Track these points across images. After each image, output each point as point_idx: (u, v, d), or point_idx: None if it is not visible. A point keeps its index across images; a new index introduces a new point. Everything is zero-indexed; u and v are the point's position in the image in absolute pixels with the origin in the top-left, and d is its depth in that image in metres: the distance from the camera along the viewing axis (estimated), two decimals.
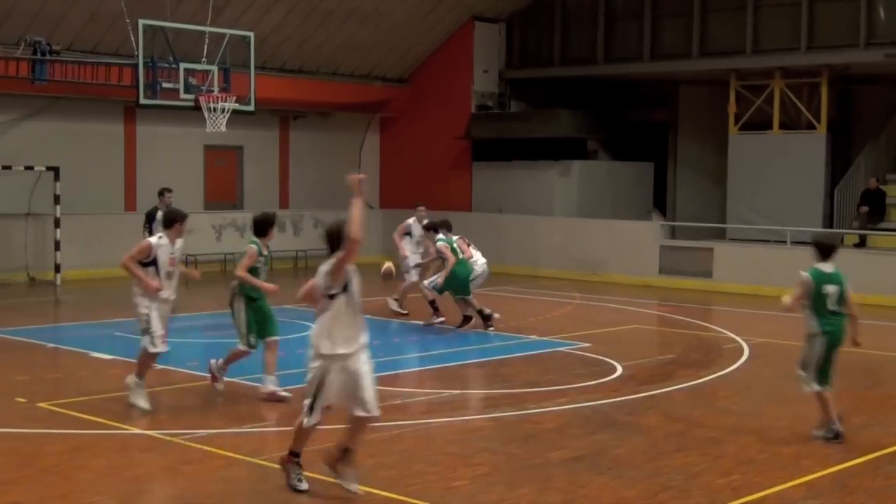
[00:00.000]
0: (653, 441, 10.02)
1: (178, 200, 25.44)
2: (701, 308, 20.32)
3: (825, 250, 10.05)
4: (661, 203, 28.33)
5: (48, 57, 20.37)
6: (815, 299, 9.84)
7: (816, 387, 9.87)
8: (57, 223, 22.82)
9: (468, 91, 28.10)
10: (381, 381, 12.50)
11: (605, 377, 13.03)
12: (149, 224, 18.29)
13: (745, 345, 15.45)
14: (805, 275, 9.97)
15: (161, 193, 18.58)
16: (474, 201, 28.21)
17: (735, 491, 8.42)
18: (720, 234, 25.12)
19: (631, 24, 26.56)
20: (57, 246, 22.85)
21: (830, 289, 9.84)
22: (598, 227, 25.57)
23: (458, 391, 12.31)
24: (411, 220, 18.83)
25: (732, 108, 24.73)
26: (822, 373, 9.87)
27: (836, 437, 9.90)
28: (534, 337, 16.18)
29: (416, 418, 10.78)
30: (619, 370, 13.40)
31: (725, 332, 16.82)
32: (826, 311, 9.84)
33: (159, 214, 18.20)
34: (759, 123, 24.50)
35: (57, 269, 22.85)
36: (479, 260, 16.97)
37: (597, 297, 21.62)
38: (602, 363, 13.92)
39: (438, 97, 28.56)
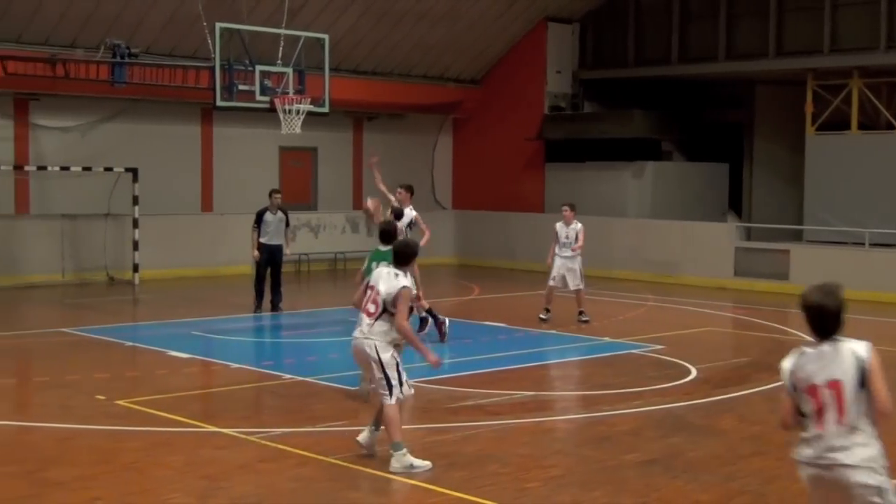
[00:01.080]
0: (728, 445, 9.91)
1: (252, 201, 25.88)
2: (777, 311, 20.05)
3: None
4: (736, 204, 28.01)
5: (127, 60, 20.71)
6: None
7: None
8: (135, 223, 23.21)
9: (541, 92, 28.04)
10: (455, 381, 12.57)
11: (679, 380, 12.93)
12: (257, 224, 18.61)
13: None
14: None
15: (270, 195, 18.85)
16: (547, 202, 28.13)
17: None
18: (797, 236, 24.78)
19: (706, 23, 26.30)
20: (135, 246, 23.23)
21: None
22: (673, 229, 25.36)
23: (531, 392, 12.28)
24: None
25: (809, 108, 24.37)
26: None
27: None
28: (607, 339, 16.10)
29: (489, 419, 10.78)
30: (694, 373, 13.29)
31: (803, 335, 16.57)
32: None
33: (268, 215, 18.60)
34: (837, 123, 24.11)
35: (135, 268, 23.23)
36: None
37: (670, 299, 21.45)
38: (676, 366, 13.81)
39: (511, 98, 28.53)
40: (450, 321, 16.19)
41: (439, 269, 17.33)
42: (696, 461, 9.29)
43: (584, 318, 17.62)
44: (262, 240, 18.54)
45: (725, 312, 19.99)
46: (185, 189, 25.20)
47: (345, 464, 8.84)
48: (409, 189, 16.60)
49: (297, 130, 19.76)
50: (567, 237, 17.95)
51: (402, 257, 9.12)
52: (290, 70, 19.81)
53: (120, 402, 11.23)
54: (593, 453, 9.51)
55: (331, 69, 21.00)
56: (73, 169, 22.85)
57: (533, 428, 10.59)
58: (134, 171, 23.27)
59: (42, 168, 22.71)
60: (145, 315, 19.64)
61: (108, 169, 23.23)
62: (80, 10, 21.74)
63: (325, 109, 20.58)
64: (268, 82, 19.69)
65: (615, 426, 10.57)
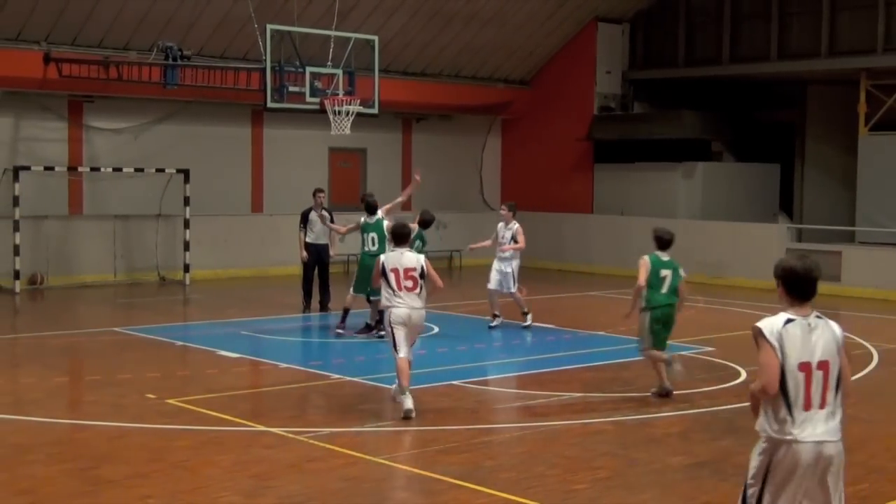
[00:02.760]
0: None
1: (302, 202, 25.99)
2: (828, 312, 19.57)
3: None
4: (787, 205, 27.75)
5: (179, 62, 20.92)
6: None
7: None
8: (186, 224, 23.43)
9: (591, 92, 27.96)
10: (503, 382, 12.58)
11: (728, 382, 12.84)
12: (303, 224, 18.75)
13: (874, 351, 15.06)
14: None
15: (314, 194, 18.98)
16: (596, 203, 28.06)
17: (863, 500, 8.22)
18: (849, 238, 24.51)
19: (758, 23, 26.09)
20: (186, 246, 23.45)
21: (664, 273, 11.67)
22: (723, 230, 25.17)
23: (578, 394, 12.25)
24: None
25: (863, 108, 24.09)
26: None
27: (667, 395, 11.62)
28: None
29: (536, 420, 10.77)
30: (744, 375, 13.17)
31: (854, 337, 16.38)
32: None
33: (312, 214, 18.75)
34: (891, 124, 23.81)
35: (186, 268, 23.45)
36: None
37: (720, 300, 21.29)
38: (725, 368, 13.72)
39: (560, 99, 28.48)
40: (500, 322, 16.29)
41: (487, 269, 17.33)
42: (746, 465, 9.19)
43: (525, 323, 16.94)
44: (308, 240, 18.68)
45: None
46: (236, 190, 25.40)
47: (393, 464, 8.88)
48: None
49: (347, 131, 19.85)
50: (503, 237, 17.25)
51: (401, 237, 11.03)
52: (339, 71, 19.92)
53: (170, 401, 11.35)
54: (641, 455, 9.48)
55: (380, 70, 21.09)
56: (125, 170, 23.13)
57: (581, 429, 10.56)
58: (185, 173, 23.50)
59: (95, 169, 23.00)
60: (196, 315, 19.82)
61: (160, 170, 23.47)
62: (134, 13, 21.99)
63: (375, 111, 20.67)
64: (318, 84, 19.81)
65: (663, 428, 10.53)
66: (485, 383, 12.22)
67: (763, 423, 5.65)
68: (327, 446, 9.51)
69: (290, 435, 9.95)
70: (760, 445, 5.69)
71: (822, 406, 5.56)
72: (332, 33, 20.31)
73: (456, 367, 13.60)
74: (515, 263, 17.07)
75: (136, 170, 23.22)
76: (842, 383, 5.64)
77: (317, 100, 19.74)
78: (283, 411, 11.14)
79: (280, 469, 8.83)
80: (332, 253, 19.15)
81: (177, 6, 22.21)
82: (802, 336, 5.65)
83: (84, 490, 8.24)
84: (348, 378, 12.80)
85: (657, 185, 26.86)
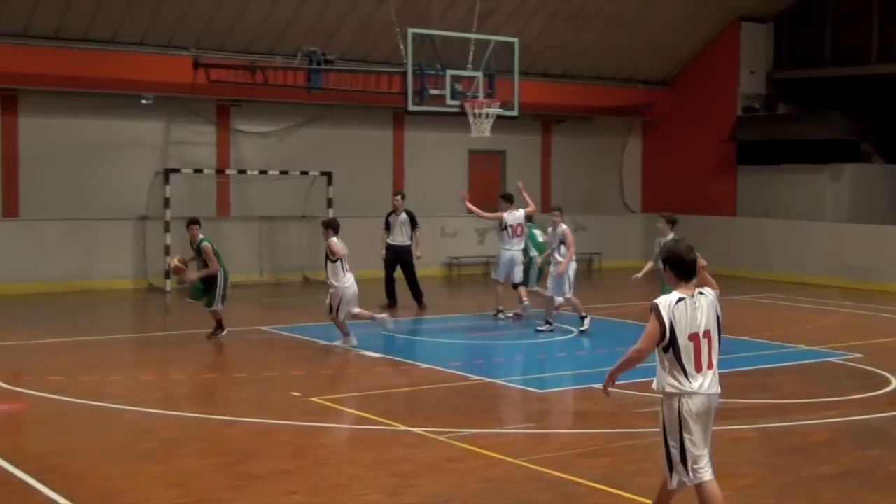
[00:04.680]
0: None
1: (442, 203, 26.27)
2: None
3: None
4: None
5: (323, 67, 21.31)
6: None
7: None
8: None
9: (734, 93, 27.49)
10: (643, 387, 12.43)
11: (877, 390, 12.47)
12: (385, 227, 19.60)
13: None
14: None
15: (393, 197, 19.82)
16: (739, 205, 27.56)
17: None
18: None
19: None
20: None
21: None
22: (872, 233, 24.42)
23: (721, 400, 12.06)
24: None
25: None
26: None
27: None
28: (801, 346, 15.66)
29: None
30: (894, 383, 12.80)
31: None
32: None
33: (392, 217, 19.42)
34: None
35: None
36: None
37: (869, 306, 20.70)
38: (874, 375, 13.33)
39: (703, 100, 28.07)
40: (640, 325, 16.07)
41: (627, 272, 17.19)
42: None
43: (583, 327, 16.54)
44: (388, 241, 19.48)
45: None
46: (377, 191, 25.69)
47: (533, 466, 8.88)
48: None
49: (487, 134, 19.93)
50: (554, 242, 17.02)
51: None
52: (480, 74, 20.00)
53: (314, 399, 11.57)
54: (786, 464, 9.28)
55: (520, 72, 21.10)
56: (270, 172, 23.66)
57: (723, 436, 10.38)
58: (328, 175, 23.92)
59: (242, 172, 23.59)
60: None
61: (304, 172, 23.94)
62: (279, 20, 22.48)
63: (515, 113, 20.68)
64: (458, 86, 19.93)
65: (809, 436, 10.29)
66: (625, 387, 12.11)
67: (663, 383, 6.81)
68: (467, 447, 9.57)
69: (431, 435, 10.04)
70: (665, 402, 6.88)
71: (710, 367, 6.76)
72: (473, 36, 20.41)
73: (595, 371, 13.51)
74: (572, 267, 16.62)
75: (281, 172, 23.74)
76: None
77: (457, 102, 19.86)
78: (424, 411, 11.25)
79: (421, 468, 8.92)
80: (417, 254, 19.57)
81: (321, 12, 22.63)
82: (689, 312, 6.69)
83: (231, 484, 8.47)
84: (488, 379, 12.86)
85: (803, 187, 26.24)
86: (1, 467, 8.85)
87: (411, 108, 20.02)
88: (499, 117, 20.02)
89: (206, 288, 15.47)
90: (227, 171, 23.60)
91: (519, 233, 18.27)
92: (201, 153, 23.71)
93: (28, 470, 8.69)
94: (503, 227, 18.26)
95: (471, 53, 20.15)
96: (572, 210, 27.89)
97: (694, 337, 6.69)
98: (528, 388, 12.44)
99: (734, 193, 27.73)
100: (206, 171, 23.26)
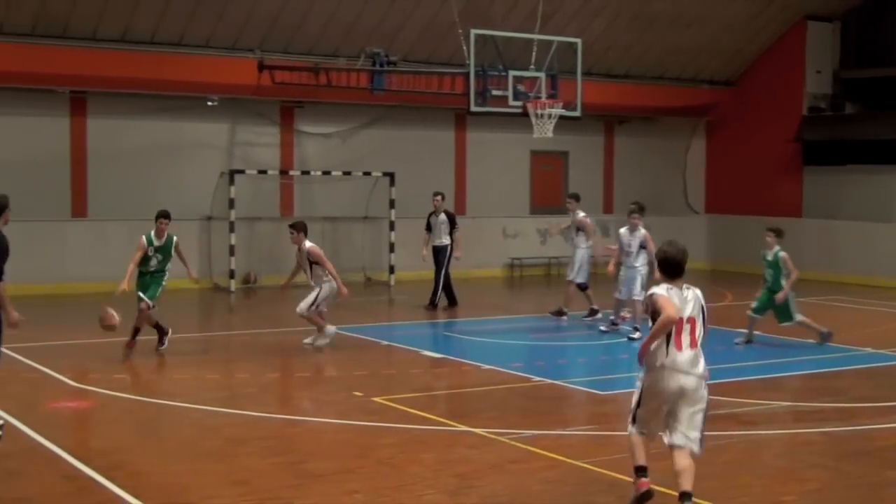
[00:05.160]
0: None
1: (504, 204, 26.24)
2: None
3: None
4: None
5: (386, 68, 21.40)
6: None
7: None
8: (391, 226, 23.91)
9: (800, 93, 27.15)
10: (708, 389, 12.34)
11: None
12: (428, 228, 19.84)
13: None
14: None
15: (433, 197, 19.95)
16: (805, 207, 27.21)
17: None
18: None
19: None
20: (391, 248, 23.94)
21: None
22: None
23: (786, 403, 11.94)
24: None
25: None
26: None
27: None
28: (869, 349, 15.44)
29: (742, 429, 10.53)
30: None
31: None
32: None
33: (431, 217, 19.48)
34: None
35: (391, 269, 23.94)
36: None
37: None
38: None
39: (768, 99, 27.77)
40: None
41: (690, 274, 16.96)
42: None
43: (633, 335, 16.20)
44: (433, 242, 19.76)
45: None
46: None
47: (595, 468, 8.85)
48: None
49: (549, 134, 19.87)
50: (629, 245, 16.59)
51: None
52: (542, 74, 19.94)
53: (376, 399, 11.61)
54: (852, 468, 9.15)
55: (583, 73, 21.00)
56: (333, 173, 23.79)
57: (788, 439, 10.29)
58: (391, 176, 24.00)
59: (305, 173, 23.75)
60: (400, 315, 20.20)
61: (367, 173, 24.06)
62: (342, 22, 22.60)
63: (578, 113, 20.59)
64: (521, 87, 19.89)
65: (876, 441, 10.14)
66: None
67: (648, 356, 7.61)
68: (529, 448, 9.56)
69: (492, 436, 10.04)
70: (641, 377, 7.74)
71: (692, 346, 7.60)
72: (536, 37, 20.37)
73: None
74: (644, 270, 16.37)
75: (344, 173, 23.87)
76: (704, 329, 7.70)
77: (519, 103, 19.82)
78: (485, 412, 11.24)
79: (482, 469, 8.92)
80: (456, 255, 19.62)
81: (383, 14, 22.71)
82: (679, 298, 7.58)
83: (294, 483, 8.53)
84: (550, 381, 12.82)
85: (871, 188, 25.84)
86: (69, 464, 9.00)
87: (474, 109, 19.99)
88: (561, 118, 19.95)
89: (156, 282, 14.78)
90: (291, 172, 23.76)
91: (591, 232, 18.29)
92: (265, 154, 23.91)
93: (95, 466, 8.82)
94: (580, 228, 18.14)
95: (533, 54, 20.11)
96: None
97: (678, 320, 7.54)
98: (591, 390, 12.39)
99: (800, 195, 27.38)
100: (269, 172, 23.45)
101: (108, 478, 8.50)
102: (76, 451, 9.32)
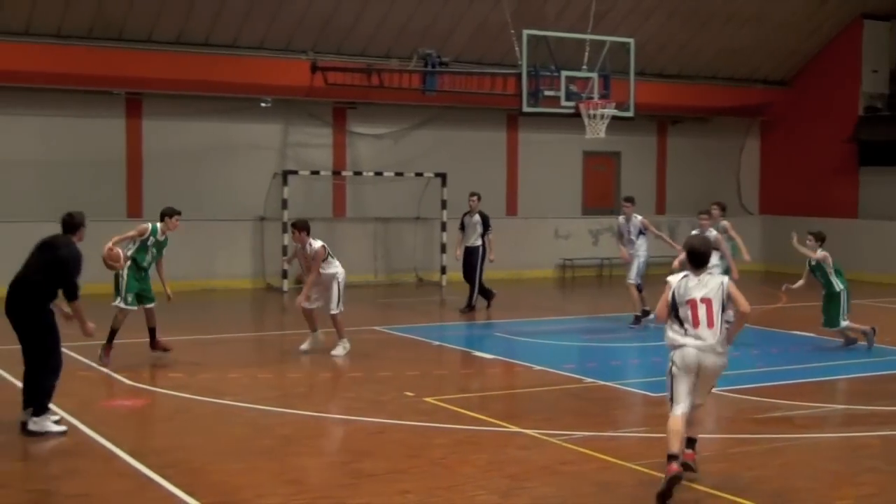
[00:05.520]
0: None
1: (556, 205, 26.21)
2: None
3: None
4: None
5: (438, 69, 21.43)
6: None
7: None
8: (443, 227, 23.94)
9: (856, 92, 26.84)
10: (761, 392, 12.25)
11: None
12: (462, 228, 19.79)
13: None
14: None
15: (470, 196, 19.87)
16: (861, 208, 26.89)
17: None
18: None
19: None
20: (443, 249, 23.97)
21: None
22: None
23: (841, 406, 11.81)
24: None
25: None
26: None
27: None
28: None
29: (796, 432, 10.44)
30: None
31: None
32: None
33: (465, 218, 19.40)
34: None
35: (443, 270, 23.98)
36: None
37: None
38: None
39: (823, 99, 27.48)
40: (757, 329, 15.79)
41: (744, 275, 16.91)
42: None
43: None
44: (465, 242, 19.59)
45: None
46: (491, 193, 25.70)
47: (647, 470, 8.81)
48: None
49: (602, 135, 19.79)
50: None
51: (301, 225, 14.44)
52: (595, 75, 19.86)
53: (428, 399, 11.64)
54: None
55: (636, 73, 20.88)
56: (385, 174, 23.88)
57: (843, 443, 10.18)
58: (443, 176, 24.04)
59: (358, 173, 23.85)
60: (452, 316, 20.19)
61: (419, 174, 24.11)
62: (395, 23, 22.68)
63: (630, 114, 20.47)
64: (573, 87, 19.84)
65: None
66: (742, 392, 11.94)
67: (668, 338, 8.38)
68: (581, 450, 9.54)
69: (544, 437, 10.02)
70: (671, 353, 8.38)
71: (709, 325, 8.24)
72: (588, 37, 20.28)
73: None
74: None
75: (396, 174, 23.94)
76: (734, 305, 8.37)
77: (572, 103, 19.76)
78: (537, 413, 11.23)
79: (534, 470, 8.91)
80: (490, 257, 19.46)
81: (436, 15, 22.76)
82: (693, 285, 8.34)
83: (346, 482, 8.57)
84: (602, 382, 12.78)
85: None
86: (125, 462, 9.11)
87: (526, 109, 19.97)
88: (614, 118, 19.86)
89: (148, 281, 14.33)
90: (343, 173, 23.88)
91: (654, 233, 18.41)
92: (318, 155, 24.04)
93: (150, 464, 8.92)
94: (642, 230, 17.95)
95: (586, 54, 20.04)
96: (688, 212, 27.60)
97: (692, 301, 8.29)
98: (643, 392, 12.33)
99: (856, 195, 27.07)
100: (322, 172, 23.58)
101: (163, 476, 8.60)
102: (132, 450, 9.43)
